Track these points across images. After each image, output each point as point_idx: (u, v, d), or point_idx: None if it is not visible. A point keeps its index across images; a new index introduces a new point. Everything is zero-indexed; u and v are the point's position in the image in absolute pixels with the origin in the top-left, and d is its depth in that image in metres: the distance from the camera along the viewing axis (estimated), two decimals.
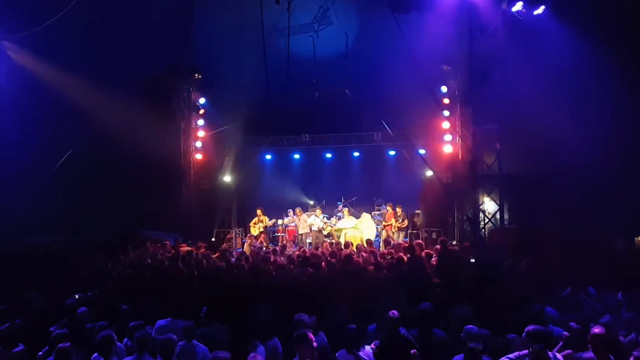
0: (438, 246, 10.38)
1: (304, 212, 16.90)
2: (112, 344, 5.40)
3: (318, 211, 16.64)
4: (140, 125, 13.56)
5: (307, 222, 16.39)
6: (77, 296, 7.62)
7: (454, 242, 13.66)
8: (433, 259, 9.88)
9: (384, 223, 16.29)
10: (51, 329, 6.24)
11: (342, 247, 12.23)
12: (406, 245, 11.13)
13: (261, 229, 16.31)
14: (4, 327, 6.23)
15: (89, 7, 12.57)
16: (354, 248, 11.89)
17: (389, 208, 16.37)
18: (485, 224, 13.42)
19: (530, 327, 4.94)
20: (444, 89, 14.92)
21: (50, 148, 13.30)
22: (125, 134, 13.29)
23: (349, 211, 16.58)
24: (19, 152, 12.21)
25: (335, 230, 16.07)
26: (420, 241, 12.35)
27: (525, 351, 4.84)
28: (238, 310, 6.56)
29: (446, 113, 14.77)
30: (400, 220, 15.95)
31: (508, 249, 11.33)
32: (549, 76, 12.01)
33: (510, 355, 4.90)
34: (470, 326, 5.29)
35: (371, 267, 8.86)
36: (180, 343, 5.59)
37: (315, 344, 4.99)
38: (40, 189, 12.62)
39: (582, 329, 5.54)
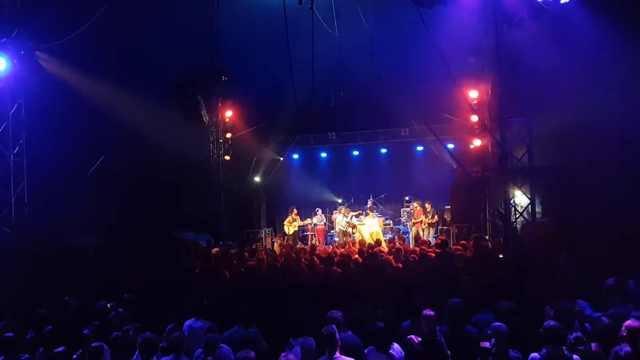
0: (464, 242, 10.27)
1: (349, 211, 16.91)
2: (156, 346, 5.47)
3: (343, 209, 16.68)
4: (169, 128, 13.80)
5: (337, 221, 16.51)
6: (109, 305, 7.68)
7: (487, 237, 13.50)
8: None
9: (413, 220, 16.20)
10: (84, 332, 6.30)
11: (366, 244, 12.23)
12: (438, 241, 11.05)
13: (296, 228, 16.49)
14: (47, 329, 6.38)
15: (116, 13, 12.84)
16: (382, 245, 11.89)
17: (416, 205, 16.28)
18: (516, 218, 13.20)
19: (547, 324, 4.93)
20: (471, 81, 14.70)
21: (84, 153, 13.64)
22: (155, 137, 13.55)
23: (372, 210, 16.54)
24: (54, 158, 12.54)
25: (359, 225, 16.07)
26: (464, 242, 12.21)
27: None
28: (272, 309, 6.62)
29: (474, 106, 14.55)
30: (430, 216, 15.83)
31: (542, 242, 11.13)
32: (579, 66, 11.73)
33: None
34: (499, 323, 5.21)
35: (400, 265, 8.84)
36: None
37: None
38: (76, 193, 12.94)
39: (614, 324, 5.42)
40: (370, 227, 15.64)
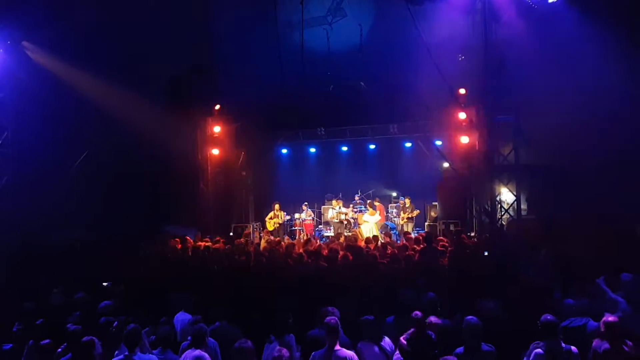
0: (446, 238, 10.38)
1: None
2: (140, 337, 5.43)
3: (334, 202, 16.76)
4: (158, 122, 13.71)
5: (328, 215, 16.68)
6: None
7: (472, 234, 13.62)
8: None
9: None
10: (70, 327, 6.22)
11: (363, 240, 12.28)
12: (419, 237, 11.16)
13: (277, 225, 16.47)
14: (39, 322, 6.35)
15: (106, 6, 12.73)
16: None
17: (407, 200, 16.62)
18: (502, 215, 13.34)
19: (544, 318, 5.00)
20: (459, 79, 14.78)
21: (72, 146, 13.53)
22: (143, 132, 13.47)
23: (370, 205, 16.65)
24: (40, 151, 12.43)
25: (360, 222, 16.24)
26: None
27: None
28: (259, 303, 6.65)
29: (462, 104, 14.65)
30: (410, 211, 16.12)
31: (527, 239, 11.25)
32: (565, 65, 11.83)
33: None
34: (471, 317, 5.25)
35: (386, 259, 8.91)
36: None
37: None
38: (62, 186, 12.84)
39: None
40: (371, 225, 15.82)
